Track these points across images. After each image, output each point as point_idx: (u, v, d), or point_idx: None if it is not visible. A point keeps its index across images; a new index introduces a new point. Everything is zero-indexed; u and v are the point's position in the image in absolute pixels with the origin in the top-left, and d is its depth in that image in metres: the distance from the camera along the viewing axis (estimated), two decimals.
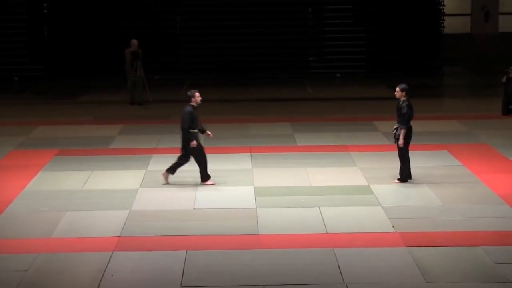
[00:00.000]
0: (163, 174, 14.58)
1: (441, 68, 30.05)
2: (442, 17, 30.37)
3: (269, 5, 30.22)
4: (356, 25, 30.19)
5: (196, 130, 14.27)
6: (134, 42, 23.28)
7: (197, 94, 14.26)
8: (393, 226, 12.04)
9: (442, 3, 30.40)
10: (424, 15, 30.21)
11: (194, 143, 14.12)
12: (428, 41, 29.95)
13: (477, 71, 31.25)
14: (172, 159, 16.59)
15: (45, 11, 29.99)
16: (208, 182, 14.50)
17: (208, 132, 14.58)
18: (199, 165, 14.51)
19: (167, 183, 14.48)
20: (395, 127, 14.31)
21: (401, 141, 14.16)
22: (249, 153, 16.86)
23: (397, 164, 14.64)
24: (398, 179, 14.40)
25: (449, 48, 30.91)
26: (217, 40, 30.05)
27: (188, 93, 14.35)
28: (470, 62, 32.41)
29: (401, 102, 14.22)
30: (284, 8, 30.28)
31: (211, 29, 30.00)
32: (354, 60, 30.19)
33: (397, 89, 14.25)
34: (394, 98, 14.67)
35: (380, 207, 13.01)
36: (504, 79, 20.80)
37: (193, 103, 14.25)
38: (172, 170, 14.54)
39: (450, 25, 32.20)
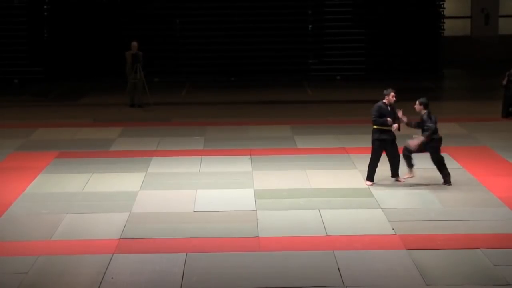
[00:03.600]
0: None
1: (441, 70, 30.05)
2: (442, 20, 30.37)
3: (269, 7, 30.19)
4: (356, 27, 30.17)
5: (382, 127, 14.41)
6: (134, 44, 23.25)
7: (392, 93, 14.44)
8: (393, 229, 12.04)
9: (442, 6, 30.40)
10: (424, 18, 30.22)
11: (390, 120, 14.30)
12: (428, 44, 29.95)
13: (477, 73, 31.24)
14: (172, 161, 16.55)
15: (45, 14, 30.00)
16: (367, 182, 14.51)
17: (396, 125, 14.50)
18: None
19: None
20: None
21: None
22: (249, 156, 16.85)
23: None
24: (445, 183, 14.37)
25: (449, 50, 30.92)
26: (217, 43, 30.04)
27: (385, 91, 14.53)
28: (470, 64, 32.40)
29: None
30: (284, 10, 30.24)
31: (210, 31, 30.00)
32: (354, 63, 30.18)
33: (417, 102, 14.32)
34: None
35: (380, 209, 13.01)
36: (505, 81, 20.79)
37: (384, 100, 14.45)
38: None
39: (450, 27, 32.21)
